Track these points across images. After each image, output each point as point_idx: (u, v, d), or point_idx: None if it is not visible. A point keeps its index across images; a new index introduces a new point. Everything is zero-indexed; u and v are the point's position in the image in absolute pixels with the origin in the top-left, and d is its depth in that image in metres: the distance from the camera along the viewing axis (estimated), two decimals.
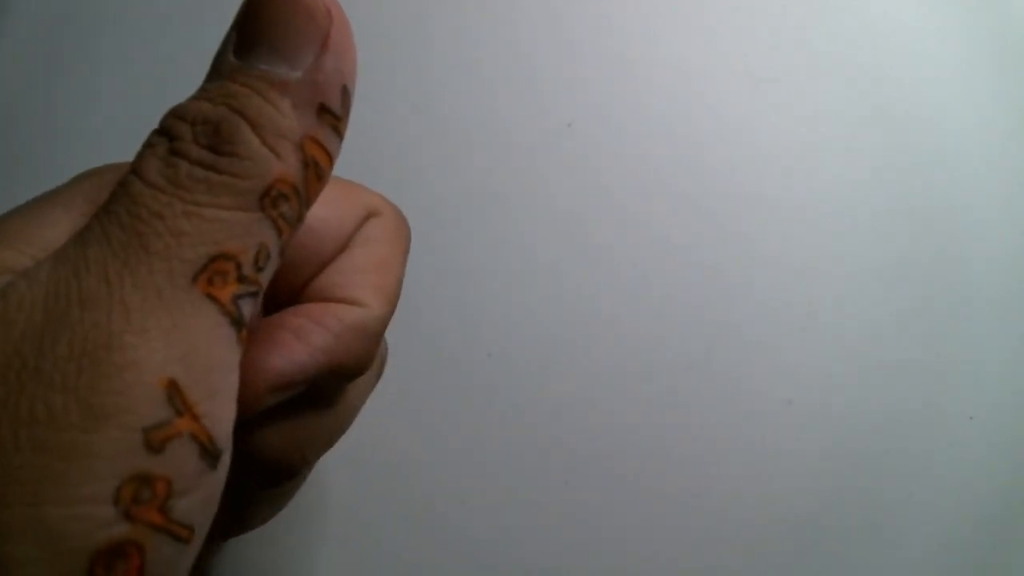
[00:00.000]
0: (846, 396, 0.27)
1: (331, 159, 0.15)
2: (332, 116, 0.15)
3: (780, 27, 0.29)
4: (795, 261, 0.28)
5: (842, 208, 0.28)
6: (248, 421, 0.15)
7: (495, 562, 0.25)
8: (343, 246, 0.17)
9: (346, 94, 0.15)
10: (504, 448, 0.26)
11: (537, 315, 0.27)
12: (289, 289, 0.17)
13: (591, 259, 0.27)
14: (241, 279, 0.13)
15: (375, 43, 0.29)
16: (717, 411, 0.26)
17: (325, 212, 0.17)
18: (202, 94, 0.14)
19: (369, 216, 0.18)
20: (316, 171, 0.15)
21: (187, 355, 0.13)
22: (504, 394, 0.26)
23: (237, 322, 0.14)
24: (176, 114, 0.14)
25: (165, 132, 0.14)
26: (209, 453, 0.13)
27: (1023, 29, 0.29)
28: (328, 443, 0.18)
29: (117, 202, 0.13)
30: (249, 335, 0.15)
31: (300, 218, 0.15)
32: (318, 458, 0.18)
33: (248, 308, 0.14)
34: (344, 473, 0.25)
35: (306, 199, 0.15)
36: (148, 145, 0.14)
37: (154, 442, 0.12)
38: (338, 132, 0.15)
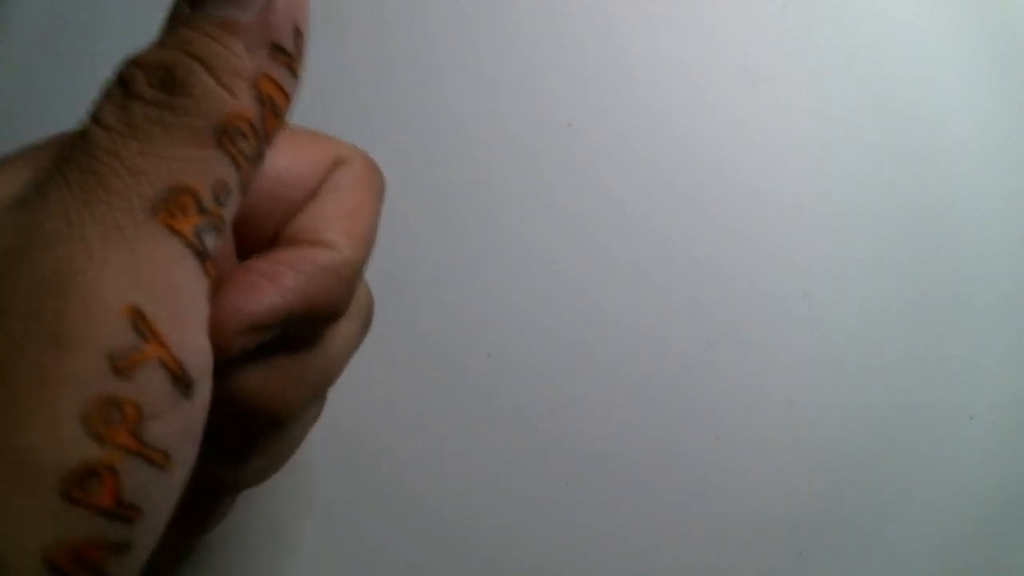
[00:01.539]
0: (846, 396, 0.27)
1: (287, 97, 0.15)
2: (285, 55, 0.15)
3: (780, 27, 0.29)
4: (795, 261, 0.28)
5: (842, 207, 0.28)
6: (226, 365, 0.16)
7: (495, 562, 0.25)
8: (312, 194, 0.18)
9: (299, 34, 0.15)
10: (504, 448, 0.26)
11: (537, 315, 0.27)
12: (260, 239, 0.18)
13: (591, 259, 0.27)
14: (202, 211, 0.14)
15: (375, 42, 0.29)
16: (717, 411, 0.26)
17: (291, 161, 0.17)
18: (157, 43, 0.15)
19: (338, 164, 0.18)
20: (273, 109, 0.15)
21: (151, 285, 0.13)
22: (504, 394, 0.26)
23: (201, 254, 0.14)
24: (132, 62, 0.14)
25: (121, 79, 0.14)
26: (181, 380, 0.13)
27: (1023, 29, 0.29)
28: (311, 390, 0.18)
29: (76, 149, 0.14)
30: (218, 274, 0.15)
31: (260, 155, 0.15)
32: (302, 406, 0.18)
33: (211, 241, 0.14)
34: (342, 473, 0.25)
35: (264, 136, 0.15)
36: (104, 92, 0.14)
37: (120, 366, 0.13)
38: (292, 71, 0.15)
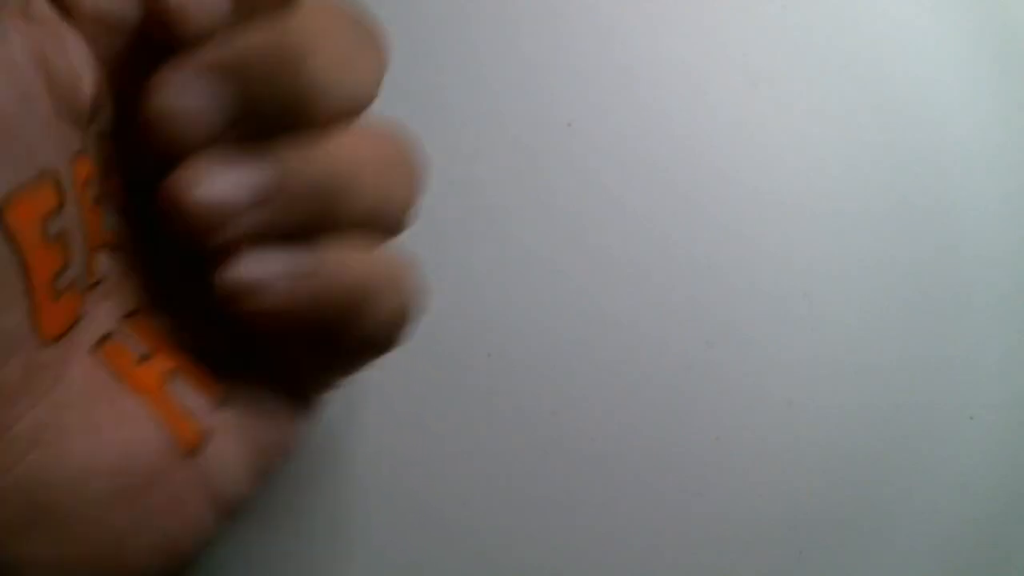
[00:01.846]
0: (846, 396, 0.27)
1: None
2: None
3: (780, 27, 0.29)
4: (795, 261, 0.28)
5: (842, 207, 0.28)
6: None
7: (495, 562, 0.25)
8: None
9: None
10: (504, 448, 0.26)
11: (537, 315, 0.27)
12: None
13: (591, 259, 0.27)
14: None
15: None
16: (717, 411, 0.26)
17: None
18: None
19: None
20: None
21: None
22: (504, 394, 0.26)
23: None
24: None
25: None
26: None
27: (1023, 29, 0.29)
28: (314, 181, 0.16)
29: None
30: None
31: None
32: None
33: None
34: (340, 475, 0.25)
35: None
36: None
37: None
38: None
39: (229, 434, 0.17)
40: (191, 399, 0.17)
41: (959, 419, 0.27)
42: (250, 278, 0.16)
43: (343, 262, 0.17)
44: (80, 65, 0.15)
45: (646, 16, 0.29)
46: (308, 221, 0.16)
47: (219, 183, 0.15)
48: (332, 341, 0.18)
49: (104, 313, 0.16)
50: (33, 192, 0.14)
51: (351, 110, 0.17)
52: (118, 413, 0.15)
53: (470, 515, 0.25)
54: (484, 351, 0.26)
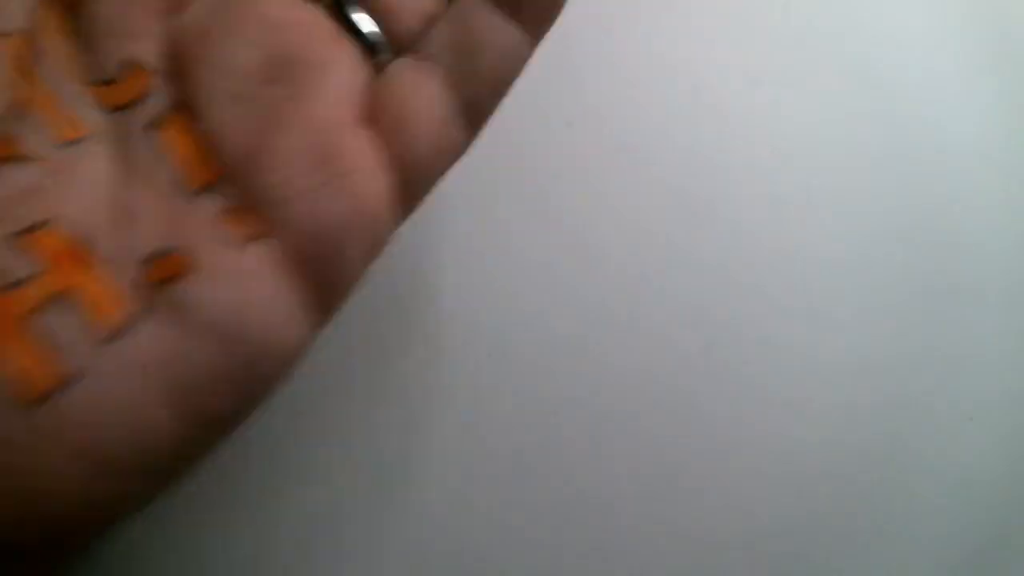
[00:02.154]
0: (845, 396, 0.27)
1: None
2: None
3: (780, 27, 0.29)
4: (796, 261, 0.28)
5: (843, 208, 0.28)
6: None
7: (495, 563, 0.25)
8: None
9: None
10: (504, 449, 0.26)
11: (537, 315, 0.27)
12: None
13: (591, 259, 0.27)
14: None
15: None
16: (717, 411, 0.26)
17: None
18: None
19: None
20: None
21: None
22: (504, 394, 0.26)
23: None
24: None
25: None
26: None
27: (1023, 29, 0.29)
28: None
29: None
30: None
31: None
32: None
33: None
34: (338, 475, 0.25)
35: None
36: None
37: None
38: None
39: (125, 371, 0.13)
40: (70, 330, 0.13)
41: (959, 420, 0.27)
42: None
43: None
44: None
45: (646, 16, 0.29)
46: None
47: None
48: None
49: None
50: None
51: None
52: None
53: (469, 516, 0.25)
54: (484, 351, 0.26)
